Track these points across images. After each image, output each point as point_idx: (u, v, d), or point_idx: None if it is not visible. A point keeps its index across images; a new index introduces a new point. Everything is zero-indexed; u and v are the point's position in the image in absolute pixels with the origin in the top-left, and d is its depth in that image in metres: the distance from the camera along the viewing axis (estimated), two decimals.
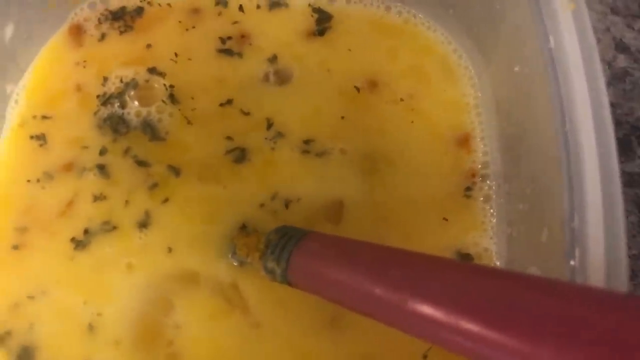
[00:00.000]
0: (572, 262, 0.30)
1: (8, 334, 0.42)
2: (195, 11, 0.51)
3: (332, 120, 0.47)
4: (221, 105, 0.47)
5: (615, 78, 0.57)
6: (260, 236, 0.40)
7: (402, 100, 0.47)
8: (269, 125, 0.46)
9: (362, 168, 0.45)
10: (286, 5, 0.50)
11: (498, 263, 0.42)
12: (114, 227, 0.44)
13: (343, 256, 0.33)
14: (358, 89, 0.48)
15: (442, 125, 0.47)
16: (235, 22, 0.50)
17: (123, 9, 0.51)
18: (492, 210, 0.44)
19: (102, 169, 0.46)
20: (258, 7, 0.50)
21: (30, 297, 0.43)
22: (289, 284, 0.37)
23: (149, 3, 0.51)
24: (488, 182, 0.45)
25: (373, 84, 0.48)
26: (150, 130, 0.46)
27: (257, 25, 0.50)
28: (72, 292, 0.43)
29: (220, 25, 0.50)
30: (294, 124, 0.47)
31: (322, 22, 0.50)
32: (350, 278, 0.31)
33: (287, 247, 0.36)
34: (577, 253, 0.30)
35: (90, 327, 0.42)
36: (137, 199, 0.45)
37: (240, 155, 0.46)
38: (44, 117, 0.48)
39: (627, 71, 0.57)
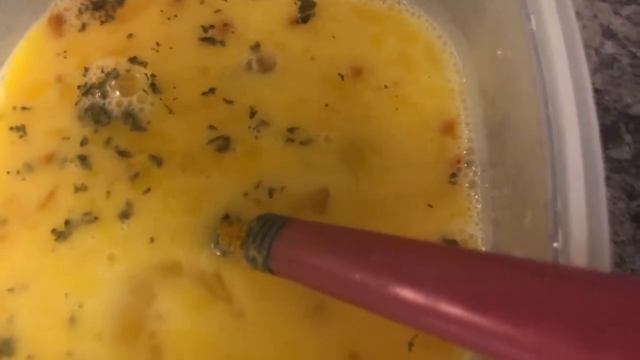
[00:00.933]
0: (555, 245, 0.30)
1: None
2: (177, 0, 0.50)
3: (317, 108, 0.46)
4: (204, 94, 0.46)
5: (603, 64, 0.57)
6: (243, 225, 0.40)
7: (386, 87, 0.47)
8: (253, 113, 0.46)
9: (347, 156, 0.45)
10: None
11: (484, 249, 0.42)
12: (96, 218, 0.43)
13: (323, 242, 0.33)
14: (342, 77, 0.47)
15: (427, 112, 0.46)
16: (218, 11, 0.49)
17: None
18: (477, 196, 0.43)
19: (83, 159, 0.45)
20: None
21: (10, 290, 0.42)
22: (271, 271, 0.36)
23: None
24: (473, 168, 0.44)
25: (357, 72, 0.47)
26: (131, 120, 0.46)
27: (240, 13, 0.49)
28: (53, 284, 0.42)
29: (202, 14, 0.49)
30: (277, 112, 0.46)
31: (306, 10, 0.49)
32: (331, 264, 0.31)
33: (268, 234, 0.36)
34: (560, 235, 0.30)
35: (72, 320, 0.41)
36: (119, 189, 0.44)
37: (223, 144, 0.45)
38: (24, 108, 0.47)
39: (615, 57, 0.57)
